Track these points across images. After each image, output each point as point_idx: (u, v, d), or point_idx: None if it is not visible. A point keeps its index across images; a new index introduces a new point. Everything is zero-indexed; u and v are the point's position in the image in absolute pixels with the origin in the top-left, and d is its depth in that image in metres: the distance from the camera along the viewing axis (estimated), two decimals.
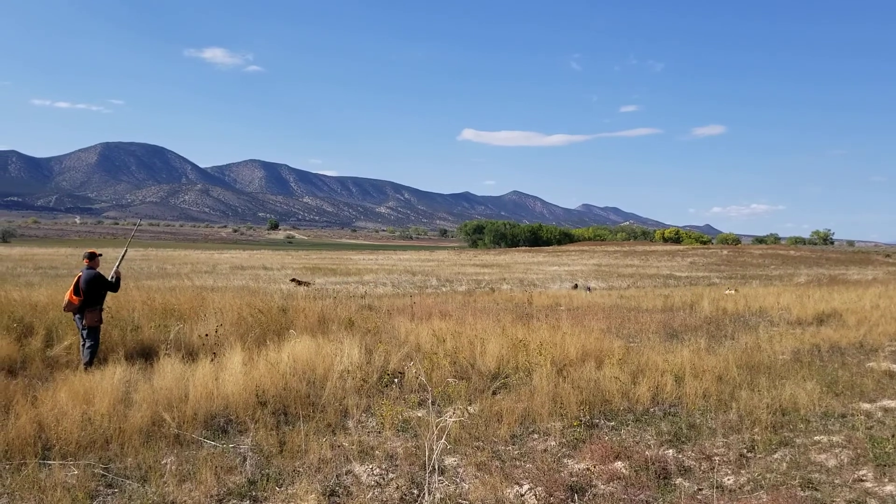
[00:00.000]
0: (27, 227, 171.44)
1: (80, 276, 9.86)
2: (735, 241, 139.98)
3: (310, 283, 30.19)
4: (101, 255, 10.36)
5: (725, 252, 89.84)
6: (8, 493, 5.38)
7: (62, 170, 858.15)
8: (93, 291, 9.81)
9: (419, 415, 7.64)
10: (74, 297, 9.69)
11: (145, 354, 10.13)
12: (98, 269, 10.06)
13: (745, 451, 6.64)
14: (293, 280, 30.93)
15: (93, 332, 9.71)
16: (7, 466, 5.86)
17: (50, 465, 5.90)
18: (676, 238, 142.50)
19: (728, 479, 5.93)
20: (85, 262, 10.07)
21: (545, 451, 6.63)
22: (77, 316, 9.80)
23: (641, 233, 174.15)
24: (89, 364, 9.40)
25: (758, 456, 6.50)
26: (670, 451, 6.63)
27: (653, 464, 6.06)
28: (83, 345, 9.77)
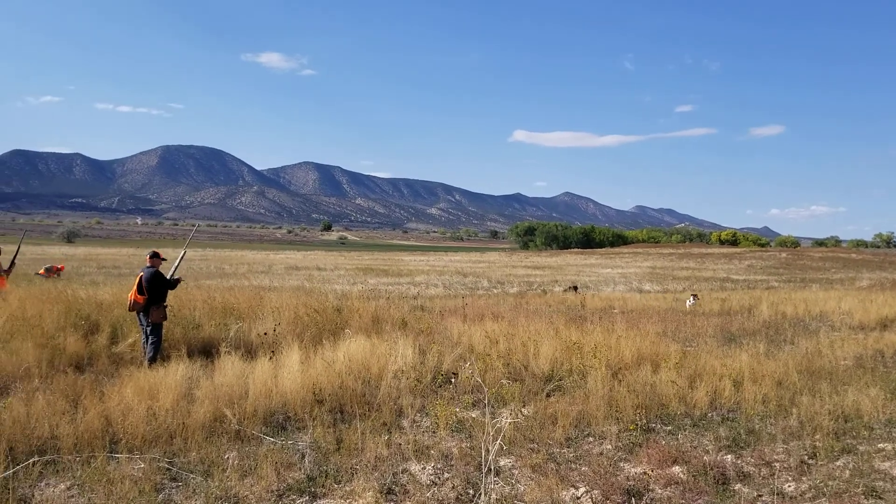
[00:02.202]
0: (90, 228, 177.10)
1: (141, 276, 10.17)
2: (794, 243, 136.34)
3: None
4: (164, 259, 10.65)
5: (784, 255, 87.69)
6: (78, 485, 5.59)
7: (124, 172, 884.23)
8: (155, 289, 10.11)
9: (473, 415, 7.67)
10: (139, 297, 9.99)
11: (206, 352, 10.36)
12: (158, 268, 10.38)
13: (807, 457, 6.50)
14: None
15: (156, 329, 10.00)
16: (77, 458, 6.08)
17: (117, 458, 6.11)
18: (733, 240, 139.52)
19: (789, 486, 5.82)
20: (147, 261, 10.39)
21: (601, 454, 6.60)
22: (141, 314, 10.10)
23: (697, 235, 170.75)
24: (153, 360, 9.67)
25: (819, 463, 6.37)
26: (729, 456, 6.54)
27: (711, 469, 5.99)
28: (146, 342, 10.07)
